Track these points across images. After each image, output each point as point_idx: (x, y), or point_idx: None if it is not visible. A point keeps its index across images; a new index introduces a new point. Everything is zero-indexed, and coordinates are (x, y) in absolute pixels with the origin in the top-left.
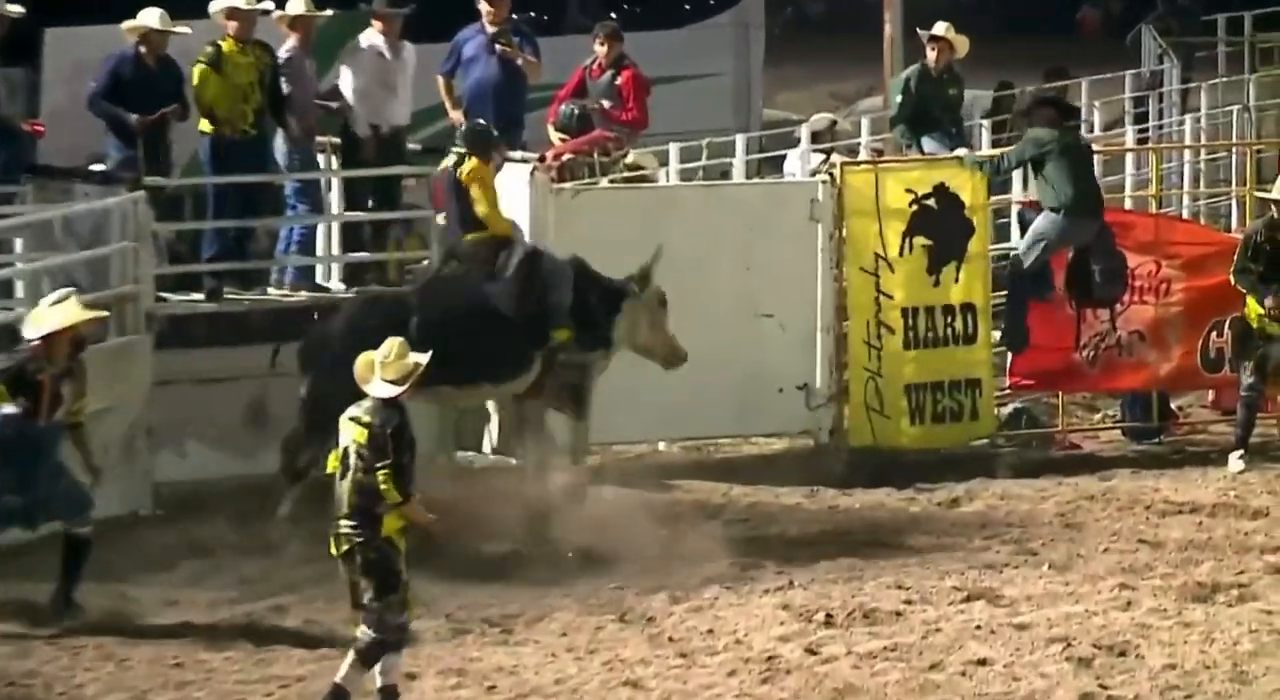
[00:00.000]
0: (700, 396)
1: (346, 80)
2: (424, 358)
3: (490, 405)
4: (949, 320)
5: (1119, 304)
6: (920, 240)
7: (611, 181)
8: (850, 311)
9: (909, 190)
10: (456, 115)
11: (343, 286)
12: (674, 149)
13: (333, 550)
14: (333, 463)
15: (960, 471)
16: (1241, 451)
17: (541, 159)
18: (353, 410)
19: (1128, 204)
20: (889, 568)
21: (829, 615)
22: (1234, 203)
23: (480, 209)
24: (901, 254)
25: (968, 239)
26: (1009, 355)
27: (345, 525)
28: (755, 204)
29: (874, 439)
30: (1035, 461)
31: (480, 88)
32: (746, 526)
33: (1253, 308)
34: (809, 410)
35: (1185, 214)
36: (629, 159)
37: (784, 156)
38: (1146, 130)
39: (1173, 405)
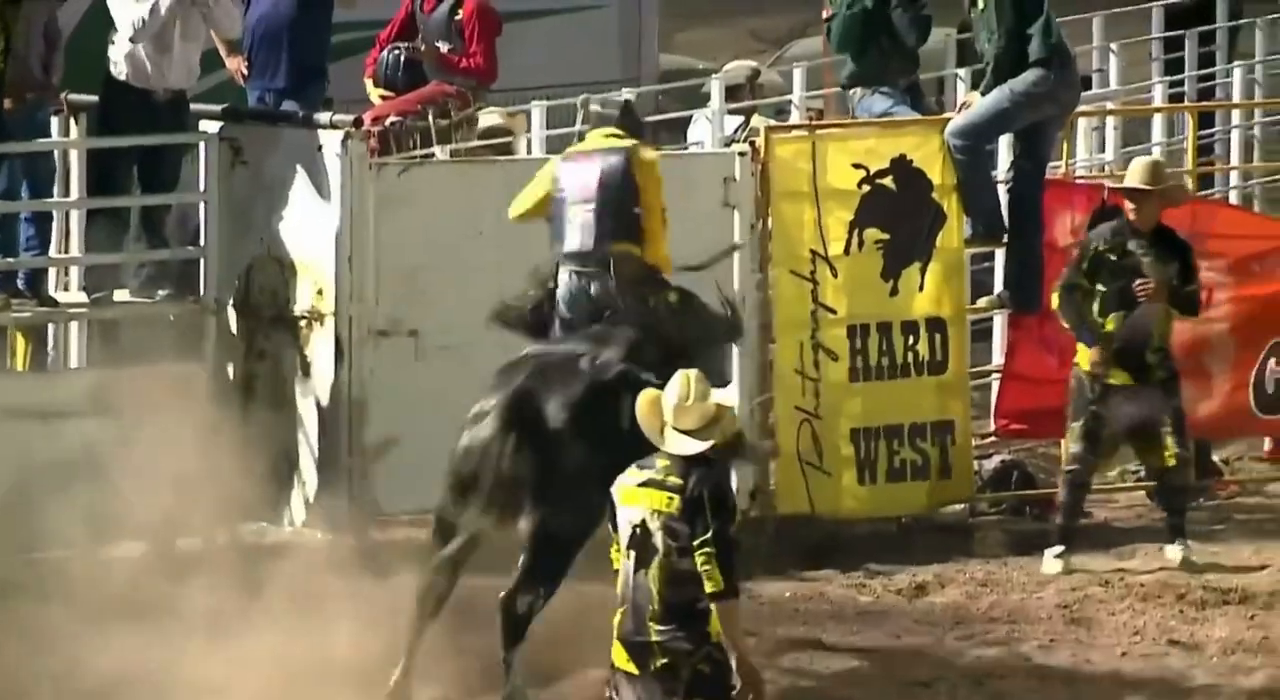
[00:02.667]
0: None
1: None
2: (731, 398)
3: (303, 465)
4: (911, 342)
5: None
6: (873, 233)
7: (454, 153)
8: (778, 331)
9: (858, 165)
10: (234, 63)
11: (84, 296)
12: (537, 109)
13: (629, 666)
14: (616, 552)
15: (928, 548)
16: (1062, 548)
17: (357, 123)
18: (639, 473)
19: None
20: (832, 681)
21: None
22: None
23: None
24: (848, 251)
25: (937, 230)
26: (994, 391)
27: (658, 630)
28: None
29: (810, 504)
30: (1029, 534)
31: (268, 25)
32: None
33: (1083, 350)
34: None
35: (1233, 197)
36: (486, 121)
37: (688, 119)
38: (1182, 83)
39: (1216, 458)
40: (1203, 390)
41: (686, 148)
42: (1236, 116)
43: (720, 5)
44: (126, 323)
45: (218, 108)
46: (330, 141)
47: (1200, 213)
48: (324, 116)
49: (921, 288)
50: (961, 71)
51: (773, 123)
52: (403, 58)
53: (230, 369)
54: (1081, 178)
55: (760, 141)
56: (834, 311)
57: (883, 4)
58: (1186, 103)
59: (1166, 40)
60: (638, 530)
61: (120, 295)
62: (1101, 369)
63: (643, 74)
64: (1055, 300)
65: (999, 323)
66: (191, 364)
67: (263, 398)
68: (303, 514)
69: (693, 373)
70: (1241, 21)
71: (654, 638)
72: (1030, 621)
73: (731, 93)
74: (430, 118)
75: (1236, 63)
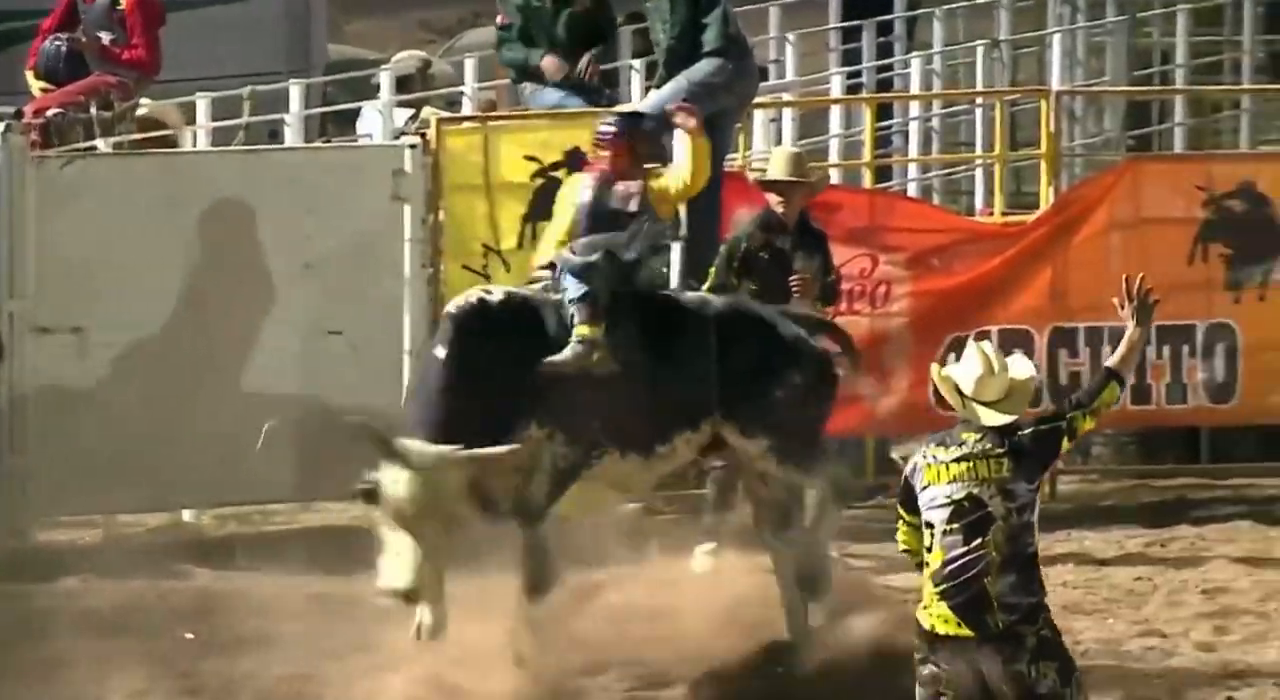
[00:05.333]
0: (241, 447)
1: None
2: (1029, 370)
3: None
4: None
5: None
6: (547, 226)
7: (119, 146)
8: None
9: (531, 158)
10: None
11: None
12: (202, 102)
13: (959, 631)
14: (907, 538)
15: (605, 549)
16: (713, 544)
17: (18, 115)
18: (948, 450)
19: (833, 177)
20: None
21: None
22: (979, 174)
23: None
24: (521, 246)
25: None
26: None
27: (998, 588)
28: (317, 177)
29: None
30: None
31: None
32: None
33: None
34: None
35: (912, 190)
36: (144, 111)
37: (358, 111)
38: (860, 74)
39: (894, 455)
40: (882, 386)
41: (356, 140)
42: (915, 108)
43: None
44: None
45: None
46: None
47: (879, 205)
48: None
49: None
50: (636, 62)
51: (444, 114)
52: (64, 48)
53: None
54: (759, 171)
55: (431, 133)
56: None
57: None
58: (864, 94)
59: (844, 30)
60: (965, 504)
61: None
62: None
63: (310, 65)
64: None
65: None
66: None
67: None
68: None
69: (986, 345)
70: (919, 11)
71: (993, 596)
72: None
73: (401, 84)
74: (93, 110)
75: (915, 53)
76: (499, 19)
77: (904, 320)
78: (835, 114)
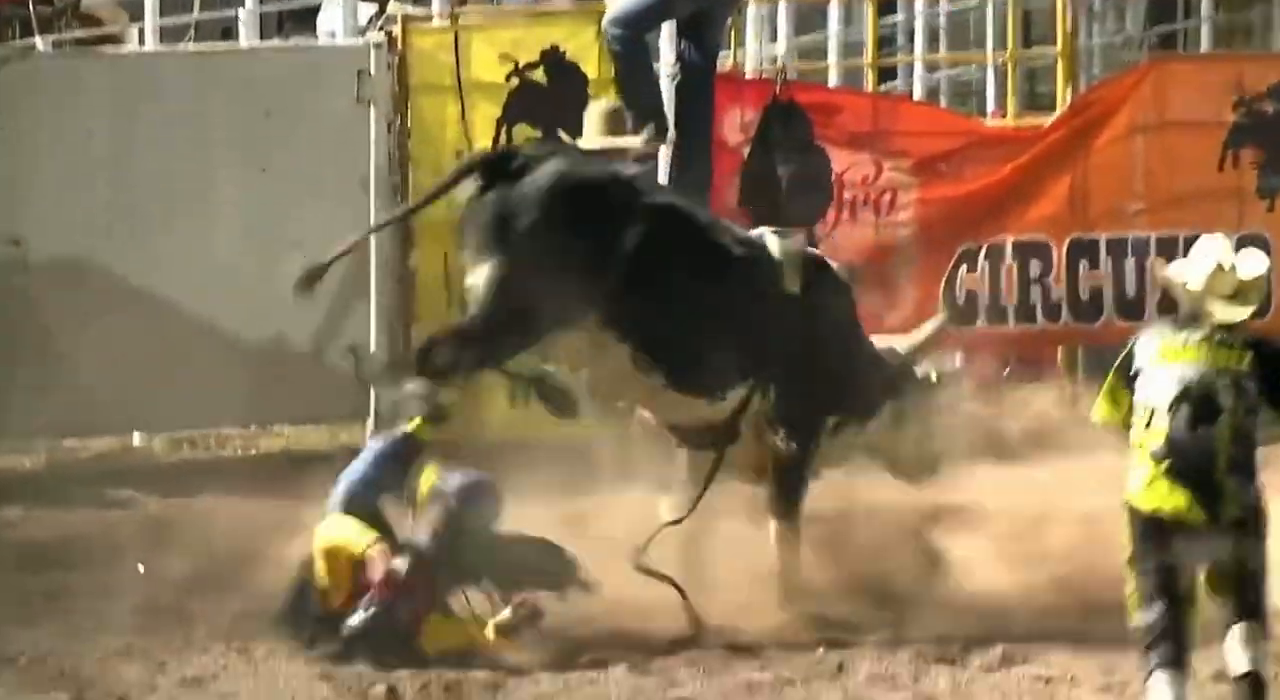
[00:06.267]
0: (197, 367)
1: None
2: (1258, 266)
3: None
4: None
5: (820, 224)
6: (524, 130)
7: (58, 44)
8: (420, 238)
9: (506, 56)
10: None
11: None
12: None
13: (1193, 515)
14: (1104, 408)
15: None
16: None
17: None
18: (1177, 334)
19: (832, 77)
20: None
21: None
22: (990, 73)
23: None
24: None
25: None
26: None
27: (1229, 482)
28: (275, 78)
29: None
30: None
31: None
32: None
33: None
34: (361, 385)
35: (917, 91)
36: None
37: (318, 7)
38: None
39: None
40: (889, 300)
41: (315, 38)
42: (920, 3)
43: None
44: None
45: None
46: None
47: (883, 107)
48: None
49: None
50: None
51: (411, 10)
52: None
53: None
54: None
55: (397, 31)
56: None
57: None
58: None
59: None
60: (1194, 387)
61: None
62: None
63: None
64: None
65: None
66: None
67: None
68: None
69: (1219, 239)
70: None
71: (1224, 485)
72: None
73: None
74: (30, 5)
75: None
76: None
77: (911, 230)
78: (834, 10)
